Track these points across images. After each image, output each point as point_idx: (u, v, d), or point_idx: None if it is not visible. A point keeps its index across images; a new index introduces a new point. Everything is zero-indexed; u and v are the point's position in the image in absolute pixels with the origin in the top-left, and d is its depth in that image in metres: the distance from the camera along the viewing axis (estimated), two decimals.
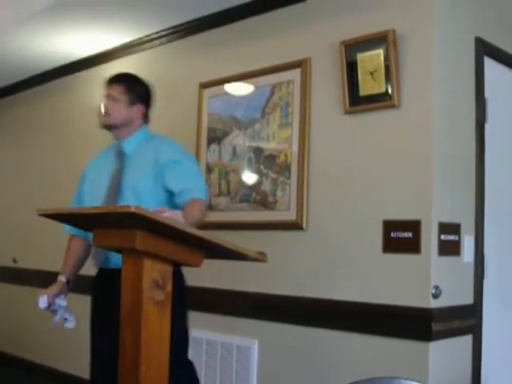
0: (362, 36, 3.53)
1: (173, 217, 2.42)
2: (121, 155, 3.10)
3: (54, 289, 3.15)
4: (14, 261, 6.49)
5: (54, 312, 3.08)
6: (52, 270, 5.83)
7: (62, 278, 3.29)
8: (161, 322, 2.09)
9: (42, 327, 6.00)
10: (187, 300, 3.06)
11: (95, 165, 3.26)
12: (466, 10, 3.59)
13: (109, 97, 3.09)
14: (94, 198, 3.03)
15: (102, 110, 3.10)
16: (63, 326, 3.22)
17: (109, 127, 3.13)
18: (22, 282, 6.35)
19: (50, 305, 3.06)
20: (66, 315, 3.15)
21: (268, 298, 3.87)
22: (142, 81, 3.26)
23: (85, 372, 5.37)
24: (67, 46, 5.33)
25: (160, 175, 2.95)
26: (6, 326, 6.52)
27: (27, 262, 6.31)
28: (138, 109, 3.14)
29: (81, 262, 3.38)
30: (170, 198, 2.94)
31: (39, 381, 5.72)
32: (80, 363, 5.47)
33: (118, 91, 3.08)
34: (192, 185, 2.95)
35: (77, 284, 5.38)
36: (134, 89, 3.14)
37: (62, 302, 3.13)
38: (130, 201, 2.83)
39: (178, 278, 2.94)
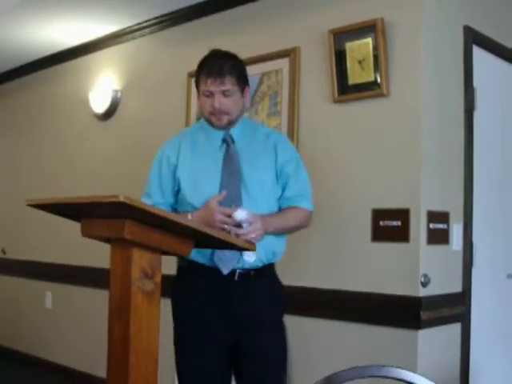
0: (350, 25, 3.53)
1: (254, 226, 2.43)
2: (230, 144, 2.69)
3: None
4: (3, 251, 6.47)
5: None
6: (43, 261, 5.86)
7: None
8: (150, 312, 2.08)
9: (35, 318, 6.00)
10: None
11: (188, 152, 2.74)
12: None
13: (223, 93, 2.61)
14: (202, 192, 2.61)
15: (211, 107, 2.64)
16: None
17: (227, 125, 2.70)
18: (12, 272, 6.34)
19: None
20: None
21: None
22: (236, 55, 2.76)
23: (79, 364, 5.40)
24: (54, 35, 5.30)
25: (280, 173, 2.70)
26: None
27: (16, 253, 6.29)
28: (246, 93, 2.74)
29: None
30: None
31: (32, 372, 5.71)
32: (74, 355, 5.48)
33: (231, 84, 2.62)
34: (303, 191, 2.76)
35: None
36: (243, 73, 2.71)
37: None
38: (257, 194, 2.62)
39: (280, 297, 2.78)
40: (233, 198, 2.54)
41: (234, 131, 2.72)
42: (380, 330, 3.32)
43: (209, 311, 2.57)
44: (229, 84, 2.60)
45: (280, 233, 2.67)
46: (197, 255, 2.55)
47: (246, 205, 2.54)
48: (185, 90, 4.57)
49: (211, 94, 2.62)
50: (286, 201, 2.71)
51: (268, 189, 2.66)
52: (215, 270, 2.54)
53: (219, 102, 2.61)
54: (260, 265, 2.61)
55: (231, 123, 2.68)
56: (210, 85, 2.60)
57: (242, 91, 2.69)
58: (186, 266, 2.66)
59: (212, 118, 2.67)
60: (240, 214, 2.42)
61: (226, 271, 2.53)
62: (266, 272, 2.67)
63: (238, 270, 2.56)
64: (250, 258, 2.54)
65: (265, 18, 4.11)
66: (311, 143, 3.76)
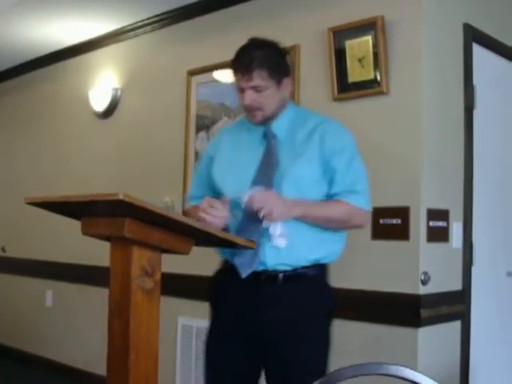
0: (350, 23, 3.53)
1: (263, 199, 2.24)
2: (270, 139, 2.49)
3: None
4: (3, 250, 6.47)
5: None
6: (44, 260, 5.86)
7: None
8: (150, 310, 2.08)
9: (35, 317, 6.00)
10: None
11: (227, 146, 2.60)
12: None
13: (254, 89, 2.40)
14: (234, 188, 2.45)
15: (245, 103, 2.44)
16: None
17: (264, 121, 2.49)
18: (11, 271, 6.34)
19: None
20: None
21: None
22: (274, 45, 2.54)
23: (79, 362, 5.40)
24: (54, 34, 5.30)
25: (326, 167, 2.41)
26: None
27: (16, 251, 6.29)
28: (286, 84, 2.49)
29: None
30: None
31: (32, 371, 5.72)
32: (74, 353, 5.49)
33: (261, 79, 2.39)
34: (354, 187, 2.43)
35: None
36: (277, 64, 2.45)
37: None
38: (290, 191, 2.37)
39: (328, 299, 2.58)
40: None
41: (277, 125, 2.50)
42: (380, 327, 3.32)
43: (229, 311, 2.49)
44: (258, 79, 2.39)
45: (314, 222, 2.39)
46: (227, 255, 2.49)
47: None
48: (184, 88, 4.56)
49: (242, 90, 2.44)
50: (333, 198, 2.44)
51: (306, 185, 2.41)
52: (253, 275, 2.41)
53: (250, 98, 2.42)
54: (289, 269, 2.40)
55: (268, 119, 2.48)
56: (240, 80, 2.43)
57: (279, 83, 2.45)
58: (221, 265, 2.61)
59: (247, 115, 2.52)
60: (244, 198, 2.31)
61: (244, 275, 2.40)
62: (302, 277, 2.42)
63: (263, 272, 2.40)
64: (280, 243, 2.36)
65: (264, 15, 4.11)
66: None
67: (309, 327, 2.43)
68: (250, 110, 2.45)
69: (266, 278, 2.40)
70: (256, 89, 2.40)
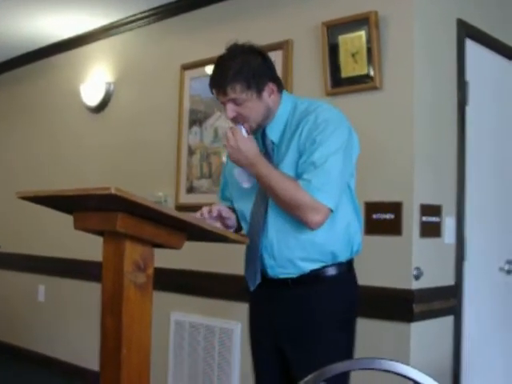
0: (343, 17, 3.53)
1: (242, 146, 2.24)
2: (267, 144, 2.39)
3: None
4: None
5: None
6: (36, 255, 5.85)
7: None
8: (142, 304, 2.08)
9: (27, 312, 5.99)
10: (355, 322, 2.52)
11: None
12: None
13: (233, 101, 2.29)
14: (237, 197, 2.51)
15: (230, 116, 2.34)
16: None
17: (258, 128, 2.37)
18: (3, 265, 6.33)
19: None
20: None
21: None
22: (252, 51, 2.39)
23: (71, 357, 5.40)
24: (47, 27, 5.28)
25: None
26: None
27: (8, 246, 6.27)
28: (269, 90, 2.34)
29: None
30: None
31: (24, 366, 5.71)
32: (66, 348, 5.48)
33: (236, 92, 2.27)
34: (314, 177, 2.21)
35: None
36: (253, 75, 2.29)
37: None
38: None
39: (350, 291, 2.51)
40: (261, 206, 2.38)
41: (270, 129, 2.39)
42: (372, 322, 3.32)
43: (256, 315, 2.54)
44: (233, 93, 2.27)
45: (264, 188, 2.30)
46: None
47: (272, 213, 2.34)
48: (178, 82, 4.56)
49: (223, 103, 2.34)
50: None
51: None
52: (264, 279, 2.41)
53: (231, 110, 2.31)
54: (294, 276, 2.35)
55: (259, 126, 2.36)
56: (217, 95, 2.34)
57: (260, 92, 2.31)
58: None
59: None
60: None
61: (252, 287, 2.44)
62: (317, 278, 2.35)
63: (272, 280, 2.39)
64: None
65: (258, 10, 4.10)
66: None
67: (319, 329, 2.35)
68: (235, 123, 2.34)
69: (278, 284, 2.39)
70: (235, 102, 2.29)
